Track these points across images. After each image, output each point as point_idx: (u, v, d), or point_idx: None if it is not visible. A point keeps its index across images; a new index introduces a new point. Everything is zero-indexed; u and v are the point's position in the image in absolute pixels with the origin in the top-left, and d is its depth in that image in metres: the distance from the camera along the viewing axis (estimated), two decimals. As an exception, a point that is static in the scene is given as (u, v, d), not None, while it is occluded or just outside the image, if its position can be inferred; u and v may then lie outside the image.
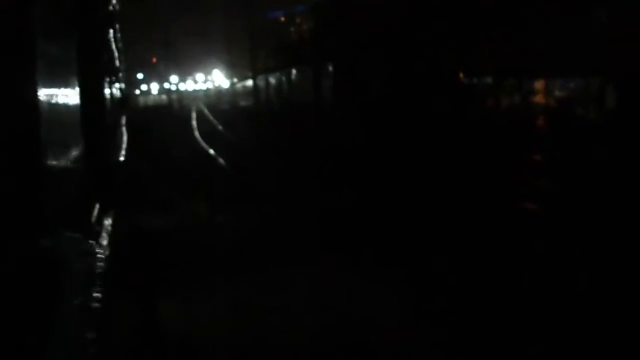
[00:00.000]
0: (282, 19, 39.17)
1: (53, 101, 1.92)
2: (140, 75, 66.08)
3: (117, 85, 6.02)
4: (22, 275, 1.11)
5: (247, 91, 46.05)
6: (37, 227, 1.26)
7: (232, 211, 8.18)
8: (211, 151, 17.59)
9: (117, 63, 6.71)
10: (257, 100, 37.93)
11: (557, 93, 12.74)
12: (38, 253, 1.18)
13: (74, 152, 2.32)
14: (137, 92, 66.69)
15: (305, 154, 15.22)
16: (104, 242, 2.24)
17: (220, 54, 59.38)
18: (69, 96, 2.28)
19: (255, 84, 38.46)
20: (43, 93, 1.71)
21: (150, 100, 65.85)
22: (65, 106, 2.23)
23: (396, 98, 14.70)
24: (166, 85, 67.52)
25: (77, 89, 2.36)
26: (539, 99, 13.29)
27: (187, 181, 11.54)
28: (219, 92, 63.00)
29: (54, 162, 1.82)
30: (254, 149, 17.98)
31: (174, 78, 64.57)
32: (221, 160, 15.43)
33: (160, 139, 19.83)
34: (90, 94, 2.46)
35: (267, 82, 35.21)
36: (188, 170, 13.52)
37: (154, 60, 62.59)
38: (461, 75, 14.05)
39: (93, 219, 2.45)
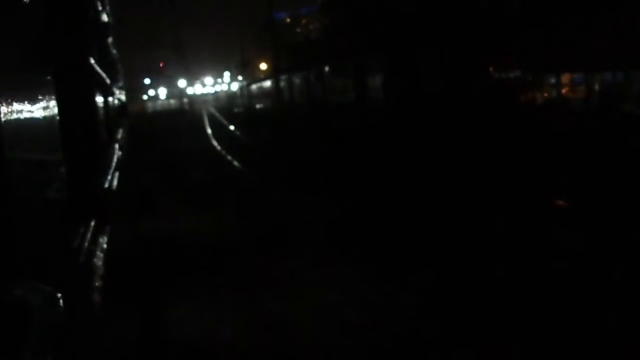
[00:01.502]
0: (288, 20, 39.23)
1: (23, 124, 1.63)
2: (147, 81, 66.60)
3: (112, 95, 5.83)
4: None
5: (264, 93, 45.81)
6: (7, 274, 1.25)
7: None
8: (236, 165, 14.50)
9: (111, 72, 6.52)
10: (281, 101, 37.21)
11: (597, 87, 12.40)
12: (9, 302, 1.18)
13: (53, 183, 2.05)
14: (145, 97, 67.22)
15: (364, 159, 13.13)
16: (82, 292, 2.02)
17: (230, 56, 59.62)
18: (46, 117, 1.99)
19: (277, 84, 37.86)
20: (8, 115, 1.47)
21: (158, 106, 66.31)
22: (40, 130, 1.94)
23: (457, 94, 14.02)
24: (174, 89, 67.96)
25: (55, 109, 2.08)
26: (578, 92, 12.89)
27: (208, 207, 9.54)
28: (229, 95, 63.28)
29: (27, 198, 1.61)
30: (288, 157, 15.14)
31: (182, 82, 64.92)
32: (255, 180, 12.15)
33: (170, 152, 18.04)
34: (72, 113, 2.22)
35: (291, 82, 34.68)
36: (208, 191, 11.22)
37: (162, 65, 63.05)
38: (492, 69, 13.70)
39: (76, 257, 2.19)
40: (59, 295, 1.27)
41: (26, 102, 1.67)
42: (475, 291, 5.23)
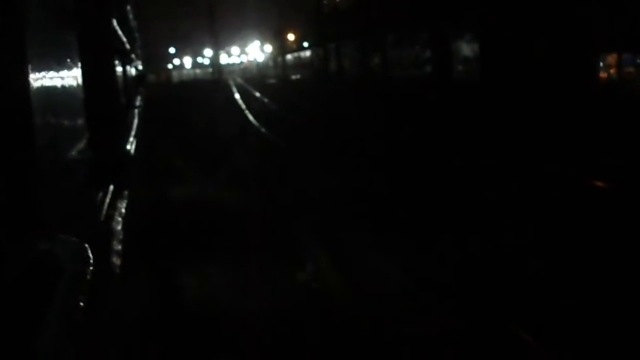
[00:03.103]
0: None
1: (50, 86, 1.87)
2: (172, 50, 67.26)
3: (130, 62, 6.05)
4: (19, 280, 1.20)
5: (302, 63, 45.24)
6: (34, 229, 1.32)
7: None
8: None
9: (130, 41, 6.77)
10: (325, 73, 35.50)
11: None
12: (36, 256, 1.24)
13: (76, 143, 2.30)
14: (170, 66, 68.00)
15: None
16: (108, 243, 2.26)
17: (257, 26, 59.54)
18: (70, 80, 2.24)
19: (325, 53, 36.23)
20: (38, 77, 1.69)
21: (183, 75, 67.15)
22: (66, 92, 2.19)
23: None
24: (199, 59, 68.55)
25: (79, 72, 2.31)
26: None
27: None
28: (259, 65, 63.55)
29: (52, 156, 1.86)
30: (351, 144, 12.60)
31: (207, 52, 65.39)
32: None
33: (200, 130, 15.81)
34: (94, 76, 2.43)
35: (339, 52, 33.14)
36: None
37: (187, 33, 63.56)
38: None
39: (98, 217, 2.44)
40: (87, 245, 1.45)
41: (53, 64, 1.88)
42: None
